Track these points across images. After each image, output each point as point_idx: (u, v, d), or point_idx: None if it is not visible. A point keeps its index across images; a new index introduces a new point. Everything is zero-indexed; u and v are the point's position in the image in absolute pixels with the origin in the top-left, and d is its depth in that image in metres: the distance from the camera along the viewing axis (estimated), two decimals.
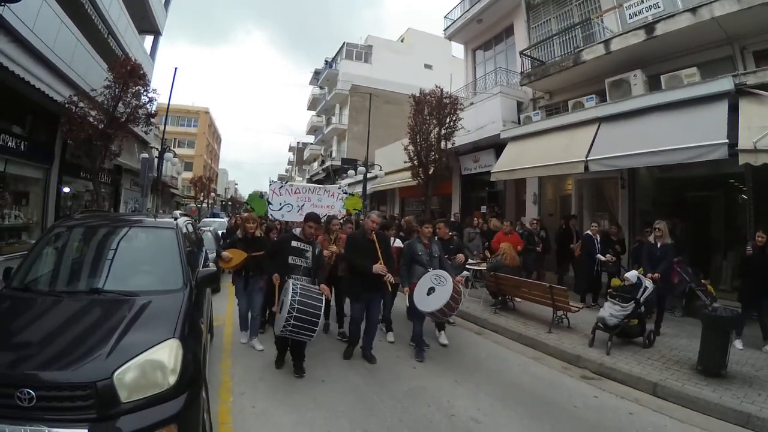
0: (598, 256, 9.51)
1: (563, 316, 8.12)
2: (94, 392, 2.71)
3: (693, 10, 9.29)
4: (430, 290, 6.04)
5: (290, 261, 5.65)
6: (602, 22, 12.23)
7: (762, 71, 8.26)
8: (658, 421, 4.81)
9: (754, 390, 5.33)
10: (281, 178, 76.43)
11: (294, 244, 5.76)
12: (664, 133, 8.82)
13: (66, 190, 15.10)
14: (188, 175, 49.27)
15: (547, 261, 12.08)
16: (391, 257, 6.38)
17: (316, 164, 47.93)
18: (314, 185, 10.83)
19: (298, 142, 62.96)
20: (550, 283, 8.33)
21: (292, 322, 4.95)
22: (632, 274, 7.20)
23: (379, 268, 5.87)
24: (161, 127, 22.08)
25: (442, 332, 7.35)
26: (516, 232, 10.57)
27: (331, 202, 10.00)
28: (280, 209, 9.57)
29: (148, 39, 23.11)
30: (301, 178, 55.98)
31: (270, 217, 9.60)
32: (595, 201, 13.19)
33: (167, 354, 3.07)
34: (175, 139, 51.02)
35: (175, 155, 22.78)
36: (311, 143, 52.34)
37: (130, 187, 22.26)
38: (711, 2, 8.99)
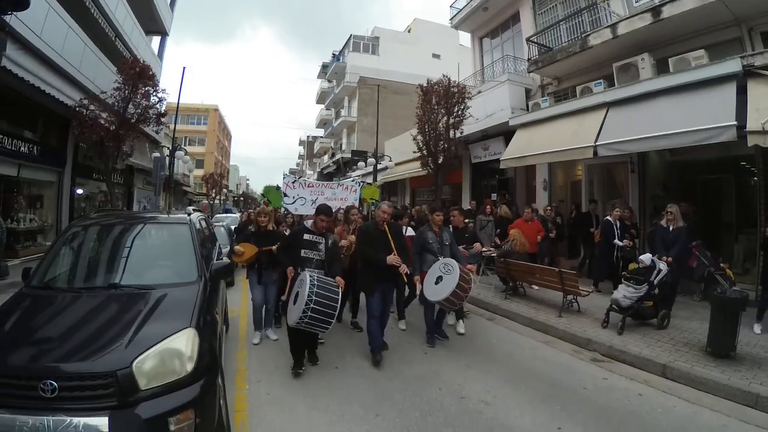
0: (616, 241, 9.40)
1: (573, 301, 8.17)
2: (114, 381, 2.83)
3: None
4: (438, 279, 5.98)
5: (302, 254, 5.56)
6: (608, 6, 12.14)
7: None
8: (667, 402, 4.86)
9: (764, 371, 5.34)
10: (292, 172, 76.40)
11: (306, 236, 5.66)
12: (673, 116, 8.77)
13: (79, 191, 15.33)
14: (200, 172, 49.65)
15: (561, 247, 12.10)
16: (405, 247, 6.24)
17: (326, 157, 47.99)
18: (328, 182, 10.83)
19: (308, 136, 62.91)
20: (560, 268, 8.36)
21: (309, 314, 4.79)
22: (647, 257, 7.24)
23: (393, 259, 5.71)
24: (171, 126, 22.31)
25: (461, 321, 7.35)
26: (536, 220, 10.47)
27: (345, 195, 10.00)
28: (293, 202, 9.60)
29: (155, 39, 23.26)
30: (311, 172, 56.20)
31: (283, 210, 9.53)
32: (606, 186, 13.16)
33: (184, 342, 3.19)
34: (185, 137, 51.56)
35: (186, 153, 22.97)
36: (321, 137, 52.39)
37: (142, 186, 22.51)
38: None
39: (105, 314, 3.54)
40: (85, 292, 3.93)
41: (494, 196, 15.96)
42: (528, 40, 14.46)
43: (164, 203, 20.27)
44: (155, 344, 3.07)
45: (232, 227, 13.83)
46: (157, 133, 18.71)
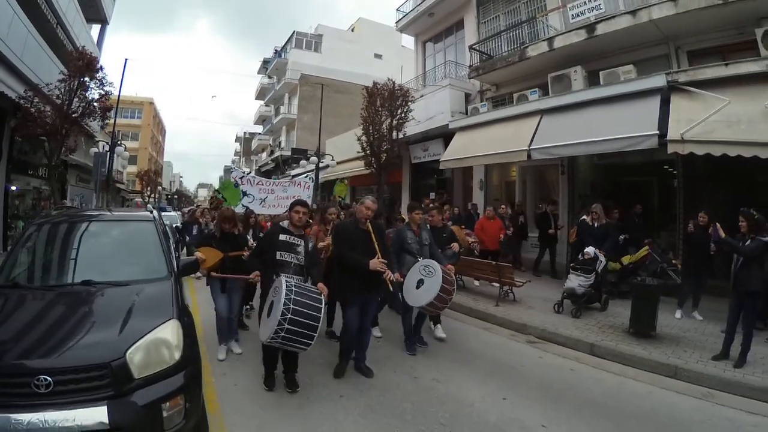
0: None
1: (509, 291, 8.84)
2: (109, 371, 2.94)
3: (633, 12, 10.10)
4: (420, 282, 5.56)
5: (278, 257, 4.83)
6: (547, 20, 12.98)
7: (693, 70, 9.10)
8: (596, 375, 5.57)
9: (681, 348, 6.18)
10: (228, 169, 74.04)
11: (282, 237, 4.91)
12: (601, 124, 9.62)
13: (13, 188, 14.49)
14: (132, 168, 47.32)
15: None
16: (388, 250, 5.58)
17: (264, 155, 47.23)
18: (279, 180, 10.45)
19: (245, 132, 61.68)
20: (497, 263, 9.00)
21: (285, 327, 4.07)
22: (591, 249, 8.09)
23: (377, 263, 4.97)
24: (110, 120, 21.43)
25: (438, 326, 6.96)
26: (498, 219, 10.90)
27: (297, 192, 9.42)
28: (240, 199, 9.04)
29: (95, 28, 22.40)
30: (248, 169, 55.16)
31: (242, 209, 8.81)
32: (538, 187, 14.10)
33: (170, 333, 3.35)
34: (119, 131, 49.31)
35: (125, 149, 22.11)
36: (259, 133, 51.37)
37: (76, 183, 21.51)
38: (650, 6, 9.81)
39: (87, 309, 3.60)
40: (59, 289, 3.92)
41: (433, 195, 16.52)
42: (471, 47, 15.17)
43: (98, 201, 19.40)
44: (144, 335, 3.20)
45: (174, 225, 13.68)
46: (102, 128, 17.82)
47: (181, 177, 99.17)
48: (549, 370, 5.69)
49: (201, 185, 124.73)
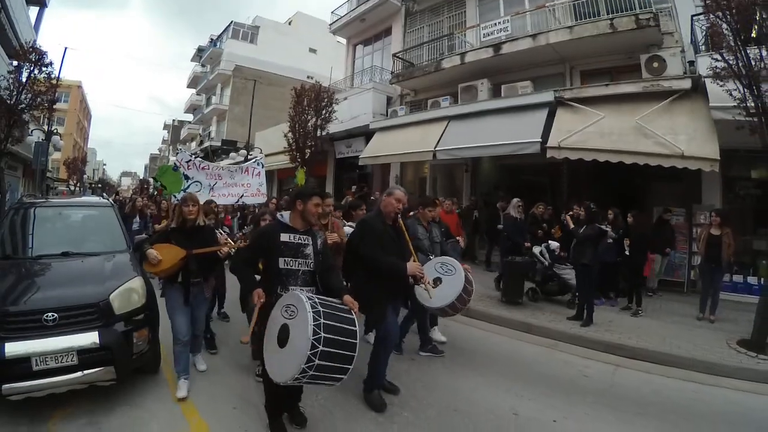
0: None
1: None
2: (98, 309, 4.14)
3: (533, 36, 11.72)
4: (436, 281, 4.87)
5: (282, 265, 3.69)
6: (464, 36, 14.54)
7: (578, 88, 10.90)
8: (464, 331, 6.98)
9: (540, 312, 7.77)
10: (154, 157, 71.51)
11: (284, 237, 3.73)
12: (497, 131, 11.18)
13: None
14: (57, 155, 45.01)
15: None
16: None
17: (194, 144, 46.28)
18: (224, 165, 10.03)
19: (174, 120, 60.49)
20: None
21: (316, 363, 3.02)
22: (554, 244, 8.80)
23: (415, 267, 4.25)
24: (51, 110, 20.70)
25: (435, 327, 6.48)
26: (456, 213, 10.66)
27: (246, 180, 8.98)
28: (187, 187, 8.17)
29: (32, 10, 21.43)
30: (174, 158, 53.77)
31: (172, 198, 8.18)
32: (446, 183, 15.68)
33: (138, 284, 4.61)
34: (44, 115, 46.46)
35: (61, 138, 21.70)
36: (189, 122, 50.62)
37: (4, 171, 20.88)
38: (548, 31, 11.48)
39: (75, 270, 4.79)
40: (46, 258, 4.95)
41: (354, 188, 17.61)
42: (394, 56, 16.55)
43: (30, 189, 18.67)
44: (120, 285, 4.43)
45: None
46: (49, 120, 17.43)
47: (105, 165, 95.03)
48: None
49: (125, 174, 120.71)
